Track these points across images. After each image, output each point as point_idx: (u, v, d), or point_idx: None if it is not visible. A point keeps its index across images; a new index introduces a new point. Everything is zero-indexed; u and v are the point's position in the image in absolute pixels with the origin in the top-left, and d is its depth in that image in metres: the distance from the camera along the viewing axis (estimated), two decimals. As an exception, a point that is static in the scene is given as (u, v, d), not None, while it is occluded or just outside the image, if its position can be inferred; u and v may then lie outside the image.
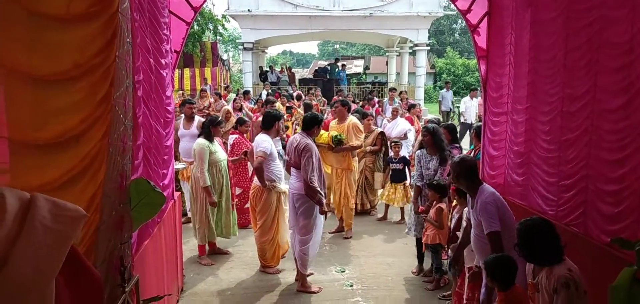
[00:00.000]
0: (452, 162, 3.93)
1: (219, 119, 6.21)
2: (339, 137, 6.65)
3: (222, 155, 5.94)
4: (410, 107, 10.61)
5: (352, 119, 6.98)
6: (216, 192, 5.79)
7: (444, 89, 17.47)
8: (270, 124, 5.35)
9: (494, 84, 5.41)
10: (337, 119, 7.12)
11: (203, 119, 6.52)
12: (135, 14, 2.91)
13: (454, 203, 4.80)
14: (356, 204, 7.43)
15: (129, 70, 1.95)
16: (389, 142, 7.84)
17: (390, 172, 7.51)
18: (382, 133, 8.01)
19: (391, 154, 7.53)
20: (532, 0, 4.50)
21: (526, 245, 2.91)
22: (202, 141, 5.75)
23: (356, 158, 7.13)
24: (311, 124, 5.16)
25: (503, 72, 5.13)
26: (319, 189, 4.86)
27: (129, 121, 1.94)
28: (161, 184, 3.96)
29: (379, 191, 7.89)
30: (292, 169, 5.15)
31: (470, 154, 6.12)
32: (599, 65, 3.53)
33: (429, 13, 19.68)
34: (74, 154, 1.62)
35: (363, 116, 7.86)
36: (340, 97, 10.70)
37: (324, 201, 4.97)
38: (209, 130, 5.83)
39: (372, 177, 7.84)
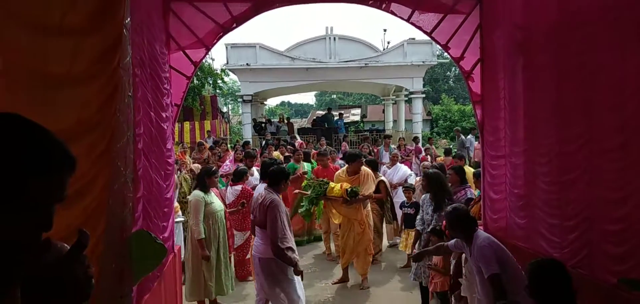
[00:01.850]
0: (446, 212, 3.96)
1: (214, 169, 6.17)
2: (354, 189, 6.53)
3: (218, 206, 5.86)
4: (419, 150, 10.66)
5: (367, 169, 6.93)
6: (213, 244, 5.65)
7: (470, 135, 16.93)
8: (276, 181, 4.66)
9: (490, 128, 5.46)
10: (347, 169, 7.01)
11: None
12: (136, 69, 2.98)
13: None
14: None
15: (129, 124, 1.97)
16: (392, 188, 7.80)
17: (403, 218, 7.43)
18: (383, 181, 7.93)
19: (403, 198, 7.47)
20: (523, 46, 4.61)
21: (537, 286, 2.86)
22: (197, 192, 5.68)
23: (369, 204, 7.07)
24: (278, 179, 4.63)
25: (498, 115, 5.19)
26: (291, 246, 4.38)
27: (130, 173, 1.95)
28: (161, 236, 3.93)
29: (393, 241, 7.78)
30: (257, 229, 4.63)
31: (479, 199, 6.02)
32: (594, 105, 3.58)
33: (423, 62, 20.09)
34: (74, 209, 1.62)
35: (373, 165, 7.74)
36: (324, 146, 10.72)
37: (297, 259, 4.43)
38: (204, 181, 5.76)
39: (378, 220, 7.74)
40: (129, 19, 1.94)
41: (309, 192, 6.83)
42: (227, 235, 6.03)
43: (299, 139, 16.92)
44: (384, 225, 7.89)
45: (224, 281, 5.80)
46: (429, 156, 12.11)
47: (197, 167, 8.50)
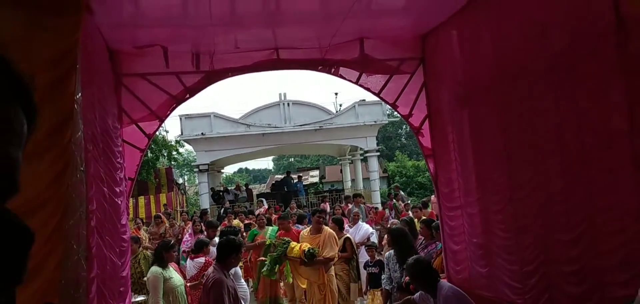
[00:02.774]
0: (407, 264, 3.99)
1: (172, 242, 5.99)
2: (311, 250, 6.44)
3: (178, 280, 5.64)
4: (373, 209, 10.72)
5: (329, 229, 6.83)
6: None
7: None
8: (224, 256, 4.23)
9: (444, 180, 5.62)
10: (310, 229, 6.94)
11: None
12: (88, 144, 2.91)
13: None
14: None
15: (82, 199, 1.91)
16: (357, 247, 7.72)
17: (369, 278, 7.33)
18: (349, 239, 7.83)
19: (367, 258, 7.41)
20: (466, 100, 4.86)
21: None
22: (155, 268, 5.44)
23: (333, 268, 6.91)
24: (227, 253, 4.17)
25: (451, 167, 5.37)
26: None
27: (83, 251, 1.87)
28: (116, 319, 3.72)
29: (359, 302, 7.62)
30: None
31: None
32: (537, 151, 3.78)
33: (375, 121, 20.69)
34: (25, 291, 1.52)
35: (338, 223, 7.67)
36: (295, 210, 10.66)
37: None
38: (161, 255, 5.54)
39: (342, 284, 7.60)
40: (80, 94, 1.92)
41: (270, 254, 6.74)
42: None
43: (265, 204, 16.69)
44: (351, 284, 7.76)
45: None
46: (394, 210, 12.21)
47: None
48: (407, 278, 5.12)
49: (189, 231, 9.94)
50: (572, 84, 3.43)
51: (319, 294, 6.48)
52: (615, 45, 3.08)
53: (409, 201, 14.19)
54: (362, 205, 12.89)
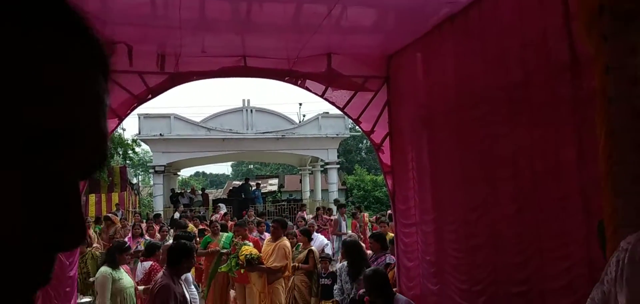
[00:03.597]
0: (364, 275, 4.03)
1: (126, 244, 5.82)
2: (249, 257, 6.42)
3: (128, 282, 5.46)
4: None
5: (284, 240, 6.77)
6: None
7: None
8: (176, 260, 4.08)
9: (401, 197, 5.74)
10: (272, 237, 6.90)
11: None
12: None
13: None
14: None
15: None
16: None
17: (321, 290, 7.31)
18: (312, 251, 7.73)
19: (321, 269, 7.40)
20: (427, 121, 4.99)
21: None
22: (104, 268, 5.26)
23: (283, 280, 6.85)
24: (178, 258, 4.01)
25: (408, 185, 5.49)
26: None
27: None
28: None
29: None
30: None
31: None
32: (493, 175, 3.93)
33: (337, 134, 20.88)
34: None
35: (306, 234, 7.60)
36: (253, 217, 10.57)
37: None
38: (113, 257, 5.41)
39: (300, 296, 7.54)
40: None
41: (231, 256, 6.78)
42: None
43: (223, 210, 16.41)
44: (312, 298, 7.72)
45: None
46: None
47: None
48: (361, 290, 5.18)
49: (128, 235, 9.66)
50: (527, 113, 3.60)
51: (268, 299, 6.48)
52: (568, 81, 3.26)
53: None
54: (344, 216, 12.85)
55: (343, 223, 12.24)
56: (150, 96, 5.11)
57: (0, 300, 0.39)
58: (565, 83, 3.28)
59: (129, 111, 5.13)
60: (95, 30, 0.48)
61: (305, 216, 14.12)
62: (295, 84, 5.76)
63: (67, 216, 0.42)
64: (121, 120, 5.20)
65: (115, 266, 5.33)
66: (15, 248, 0.38)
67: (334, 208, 15.35)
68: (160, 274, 4.09)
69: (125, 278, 5.44)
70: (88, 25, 0.48)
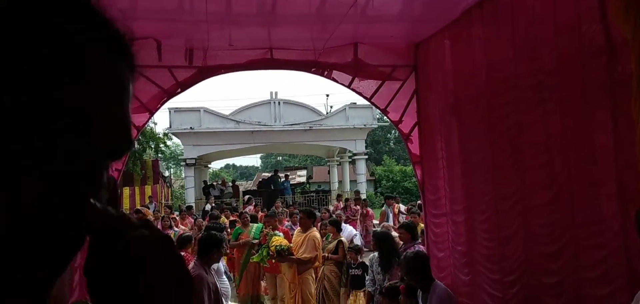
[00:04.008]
0: (406, 256, 4.00)
1: None
2: (280, 248, 6.47)
3: None
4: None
5: (314, 231, 6.80)
6: None
7: None
8: (206, 251, 4.21)
9: (430, 187, 5.68)
10: (301, 228, 6.94)
11: None
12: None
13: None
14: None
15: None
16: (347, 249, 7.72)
17: (351, 280, 7.35)
18: (342, 242, 7.76)
19: (350, 260, 7.43)
20: (456, 108, 4.92)
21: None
22: None
23: (313, 270, 6.89)
24: (208, 248, 4.10)
25: (438, 175, 5.42)
26: None
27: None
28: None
29: None
30: None
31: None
32: (524, 164, 3.85)
33: (364, 125, 20.79)
34: None
35: (335, 225, 7.65)
36: (281, 208, 10.64)
37: None
38: None
39: (330, 287, 7.59)
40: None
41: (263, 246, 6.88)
42: None
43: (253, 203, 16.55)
44: (341, 288, 7.76)
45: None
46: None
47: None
48: (393, 281, 5.17)
49: (159, 226, 9.83)
50: (560, 100, 3.50)
51: (289, 293, 6.53)
52: (603, 66, 3.15)
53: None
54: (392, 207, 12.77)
55: (390, 215, 12.17)
56: (179, 90, 5.20)
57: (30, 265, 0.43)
58: (599, 68, 3.18)
59: (159, 105, 5.24)
60: (119, 25, 0.52)
61: (331, 208, 14.15)
62: (321, 75, 5.75)
63: (94, 191, 0.47)
64: (152, 114, 5.32)
65: None
66: (36, 215, 0.42)
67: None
68: (191, 264, 4.16)
69: None
70: (110, 20, 0.51)
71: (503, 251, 4.12)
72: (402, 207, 12.64)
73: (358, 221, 12.40)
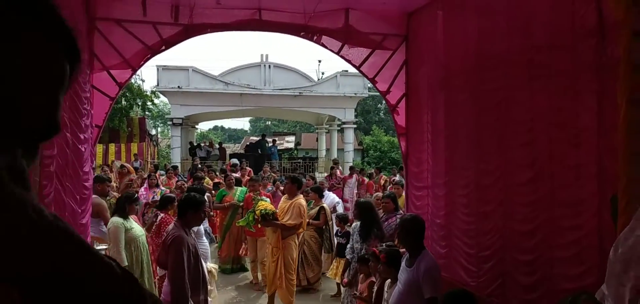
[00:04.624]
0: (404, 219, 3.98)
1: (135, 195, 5.83)
2: (264, 212, 6.45)
3: (139, 231, 5.48)
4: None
5: (299, 198, 6.76)
6: (136, 270, 5.32)
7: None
8: (182, 212, 4.10)
9: (414, 159, 5.68)
10: (287, 194, 6.91)
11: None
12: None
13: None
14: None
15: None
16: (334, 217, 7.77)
17: (337, 248, 7.41)
18: (324, 208, 7.80)
19: (337, 228, 7.47)
20: (445, 82, 4.87)
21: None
22: (116, 219, 5.24)
23: (296, 236, 6.89)
24: (183, 210, 4.02)
25: (422, 148, 5.42)
26: (188, 298, 3.79)
27: (34, 196, 1.81)
28: (73, 267, 3.67)
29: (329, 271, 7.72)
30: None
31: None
32: (507, 141, 3.84)
33: (355, 93, 20.64)
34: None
35: (317, 192, 7.66)
36: (268, 173, 10.61)
37: None
38: (124, 207, 5.34)
39: (310, 252, 7.65)
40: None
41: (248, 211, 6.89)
42: (151, 259, 5.69)
43: (242, 165, 16.49)
44: (323, 253, 7.82)
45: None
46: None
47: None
48: (373, 248, 5.19)
49: (144, 185, 9.75)
50: (548, 78, 3.47)
51: (272, 257, 6.54)
52: (593, 47, 3.11)
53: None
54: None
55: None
56: (164, 48, 5.07)
57: None
58: (589, 49, 3.14)
59: (142, 62, 5.11)
60: (64, 20, 0.62)
61: (317, 175, 14.14)
62: (310, 39, 5.65)
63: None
64: (134, 71, 5.19)
65: (125, 216, 5.34)
66: None
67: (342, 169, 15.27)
68: (171, 225, 4.12)
69: (135, 227, 5.45)
70: (56, 15, 0.61)
71: (481, 226, 4.15)
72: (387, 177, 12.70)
73: (354, 190, 12.33)
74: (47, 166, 2.50)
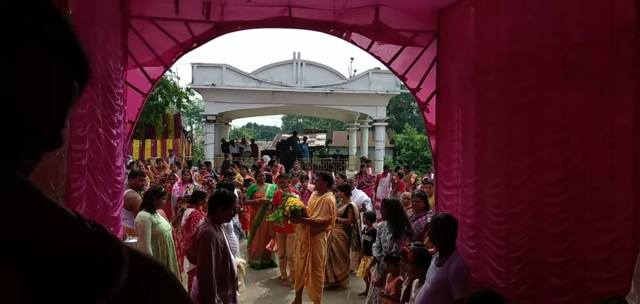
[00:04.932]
0: (436, 217, 3.94)
1: (162, 189, 5.92)
2: (293, 208, 6.50)
3: (165, 226, 5.49)
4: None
5: (329, 195, 6.78)
6: (163, 264, 5.41)
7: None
8: (212, 208, 4.14)
9: (444, 158, 5.59)
10: (317, 191, 6.95)
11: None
12: (85, 83, 2.90)
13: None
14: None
15: (64, 138, 1.91)
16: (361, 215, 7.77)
17: (364, 246, 7.40)
18: (351, 206, 7.80)
19: (364, 226, 7.46)
20: (477, 80, 4.77)
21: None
22: (143, 213, 5.28)
23: (325, 233, 6.92)
24: (213, 206, 4.05)
25: (452, 146, 5.33)
26: (216, 295, 3.82)
27: (62, 189, 1.88)
28: (106, 257, 3.79)
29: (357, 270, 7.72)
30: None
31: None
32: (539, 140, 3.73)
33: (387, 91, 20.46)
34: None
35: (345, 190, 7.69)
36: (299, 170, 10.67)
37: None
38: (151, 201, 5.37)
39: (337, 249, 7.67)
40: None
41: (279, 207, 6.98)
42: (177, 254, 5.78)
43: (272, 161, 16.72)
44: (351, 251, 7.84)
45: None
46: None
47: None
48: (404, 246, 5.15)
49: (178, 180, 9.96)
50: (583, 76, 3.36)
51: (300, 254, 6.58)
52: (630, 44, 2.99)
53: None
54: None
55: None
56: (195, 45, 5.17)
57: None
58: (627, 46, 3.02)
59: (174, 59, 5.23)
60: (77, 39, 0.62)
61: (347, 173, 14.11)
62: (340, 36, 5.64)
63: None
64: (167, 67, 5.32)
65: (152, 210, 5.36)
66: None
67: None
68: (201, 221, 4.19)
69: (162, 222, 5.50)
70: (70, 34, 0.61)
71: (511, 226, 4.06)
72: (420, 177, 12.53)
73: (388, 189, 12.25)
74: (78, 159, 2.59)
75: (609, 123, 3.14)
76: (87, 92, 3.00)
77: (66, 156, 1.85)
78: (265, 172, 10.39)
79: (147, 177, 9.17)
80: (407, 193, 8.66)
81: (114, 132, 3.88)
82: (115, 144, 3.93)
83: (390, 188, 12.32)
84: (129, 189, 6.67)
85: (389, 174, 12.83)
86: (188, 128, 34.26)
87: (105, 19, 3.68)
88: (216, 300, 3.75)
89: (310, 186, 9.12)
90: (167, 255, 5.44)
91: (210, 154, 19.98)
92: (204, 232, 3.84)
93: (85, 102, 2.81)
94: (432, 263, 3.84)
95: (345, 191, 7.63)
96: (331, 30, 5.63)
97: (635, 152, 2.88)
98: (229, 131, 29.99)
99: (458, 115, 5.20)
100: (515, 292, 3.93)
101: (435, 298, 3.54)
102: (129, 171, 7.81)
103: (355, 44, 5.75)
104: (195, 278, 4.10)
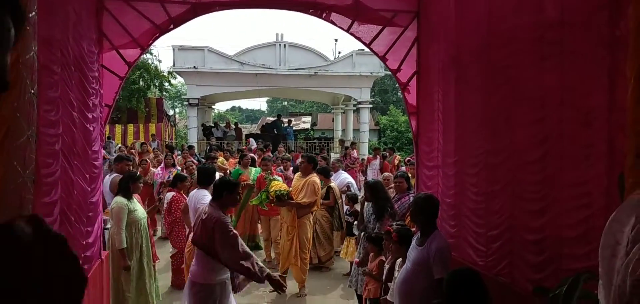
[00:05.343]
0: (417, 197, 4.00)
1: (138, 174, 5.81)
2: (278, 193, 6.52)
3: (141, 213, 5.44)
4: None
5: (314, 176, 6.79)
6: (135, 253, 5.25)
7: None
8: (219, 194, 4.07)
9: (425, 139, 5.62)
10: (301, 173, 6.96)
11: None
12: (55, 66, 2.83)
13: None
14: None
15: (31, 122, 1.85)
16: (343, 196, 7.81)
17: (346, 227, 7.47)
18: (332, 188, 7.87)
19: (346, 207, 7.51)
20: (456, 60, 4.78)
21: (453, 295, 2.94)
22: (120, 199, 5.20)
23: (310, 215, 6.94)
24: (219, 192, 4.03)
25: (433, 127, 5.35)
26: (256, 266, 3.90)
27: (30, 174, 1.84)
28: (85, 242, 3.75)
29: (340, 249, 7.78)
30: (196, 250, 4.10)
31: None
32: (517, 119, 3.76)
33: (371, 73, 20.44)
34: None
35: (323, 173, 7.71)
36: (283, 153, 10.67)
37: (266, 270, 4.01)
38: (127, 187, 5.30)
39: (321, 230, 7.74)
40: (34, 12, 1.84)
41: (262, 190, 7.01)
42: (150, 243, 5.67)
43: (253, 144, 16.74)
44: (333, 232, 7.91)
45: (149, 291, 5.41)
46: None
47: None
48: (387, 225, 5.19)
49: (161, 165, 9.91)
50: (559, 55, 3.37)
51: (286, 236, 6.62)
52: (605, 21, 3.00)
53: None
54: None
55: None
56: (172, 26, 5.07)
57: None
58: (602, 23, 3.03)
59: (151, 41, 5.13)
60: None
61: (332, 156, 14.14)
62: (320, 17, 5.58)
63: None
64: (144, 50, 5.22)
65: (129, 196, 5.29)
66: None
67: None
68: (206, 207, 4.10)
69: (139, 209, 5.43)
70: None
71: (490, 205, 4.10)
72: (404, 158, 12.62)
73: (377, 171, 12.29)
74: (51, 144, 2.54)
75: (586, 101, 3.17)
76: (59, 75, 2.93)
77: (34, 140, 1.80)
78: (252, 155, 10.37)
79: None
80: (387, 174, 8.72)
81: (90, 116, 3.80)
82: (92, 128, 3.85)
83: (380, 170, 12.41)
84: (115, 174, 6.58)
85: (378, 157, 12.91)
86: (171, 112, 33.89)
87: (78, 1, 3.57)
88: (253, 262, 3.88)
89: (289, 173, 9.15)
90: (141, 243, 5.34)
91: (193, 138, 19.83)
92: (217, 219, 3.85)
93: (56, 85, 2.74)
94: (413, 242, 3.88)
95: (324, 173, 7.70)
96: (310, 11, 5.57)
97: (610, 130, 2.92)
98: (213, 114, 29.75)
99: (438, 95, 5.21)
100: (493, 269, 3.99)
101: (417, 277, 3.59)
102: (115, 155, 7.73)
103: (335, 25, 5.71)
104: (193, 263, 4.11)
